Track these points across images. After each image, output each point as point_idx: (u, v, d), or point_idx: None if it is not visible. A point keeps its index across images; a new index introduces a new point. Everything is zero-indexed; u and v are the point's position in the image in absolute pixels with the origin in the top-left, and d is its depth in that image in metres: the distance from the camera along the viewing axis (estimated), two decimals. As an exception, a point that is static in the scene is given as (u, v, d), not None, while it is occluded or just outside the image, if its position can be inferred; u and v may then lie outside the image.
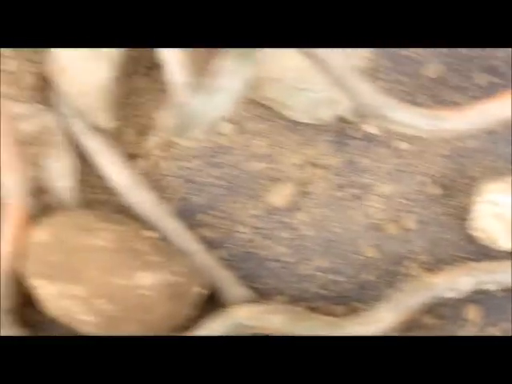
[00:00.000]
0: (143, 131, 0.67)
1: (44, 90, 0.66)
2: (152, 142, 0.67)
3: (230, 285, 0.66)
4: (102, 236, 0.60)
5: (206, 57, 0.64)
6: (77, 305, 0.60)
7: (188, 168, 0.67)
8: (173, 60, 0.63)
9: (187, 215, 0.67)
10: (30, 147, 0.64)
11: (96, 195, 0.67)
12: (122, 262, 0.60)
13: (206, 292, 0.64)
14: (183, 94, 0.60)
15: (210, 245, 0.66)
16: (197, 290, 0.63)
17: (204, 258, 0.65)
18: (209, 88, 0.55)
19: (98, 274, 0.60)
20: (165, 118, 0.60)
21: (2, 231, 0.62)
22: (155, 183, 0.67)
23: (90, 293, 0.59)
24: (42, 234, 0.61)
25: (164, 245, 0.63)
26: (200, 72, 0.58)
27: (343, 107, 0.66)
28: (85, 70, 0.63)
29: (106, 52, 0.63)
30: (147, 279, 0.60)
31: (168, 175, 0.67)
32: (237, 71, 0.55)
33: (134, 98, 0.67)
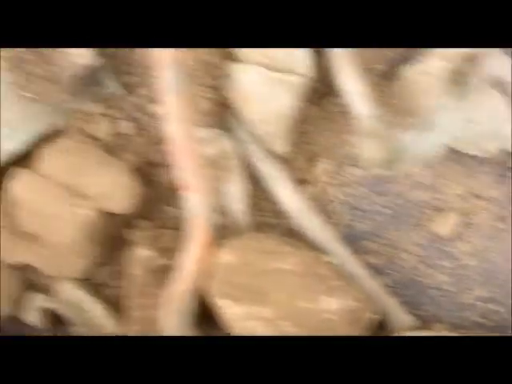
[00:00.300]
0: (312, 158, 0.69)
1: (220, 115, 0.68)
2: (320, 168, 0.69)
3: (396, 311, 0.67)
4: (289, 260, 0.62)
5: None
6: (262, 326, 0.61)
7: (353, 195, 0.69)
8: (353, 90, 0.65)
9: (352, 241, 0.69)
10: (210, 170, 0.66)
11: (265, 218, 0.69)
12: (308, 285, 0.62)
13: (377, 318, 0.65)
14: (371, 126, 0.62)
15: (375, 271, 0.68)
16: (370, 316, 0.64)
17: (370, 284, 0.67)
18: (424, 125, 0.57)
19: (285, 297, 0.61)
20: (367, 150, 0.61)
21: (188, 250, 0.63)
22: (322, 208, 0.69)
23: (276, 315, 0.61)
24: (227, 256, 0.63)
25: (342, 270, 0.65)
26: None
27: (508, 140, 0.68)
28: (268, 98, 0.65)
29: (289, 80, 0.65)
30: (332, 304, 0.62)
31: (334, 201, 0.69)
32: (454, 109, 0.56)
33: (304, 126, 0.69)
